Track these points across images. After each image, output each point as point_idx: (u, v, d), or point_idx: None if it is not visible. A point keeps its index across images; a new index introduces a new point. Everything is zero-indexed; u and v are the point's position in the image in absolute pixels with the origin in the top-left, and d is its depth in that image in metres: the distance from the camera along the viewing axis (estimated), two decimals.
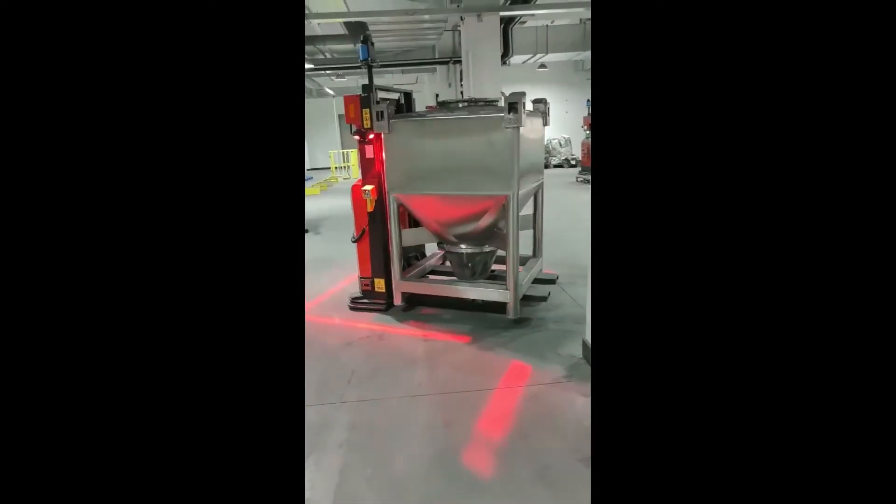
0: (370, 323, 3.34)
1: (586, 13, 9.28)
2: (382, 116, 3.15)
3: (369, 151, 3.43)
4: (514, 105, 2.82)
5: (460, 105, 3.24)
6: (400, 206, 3.30)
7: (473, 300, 3.34)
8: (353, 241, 3.61)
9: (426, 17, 7.86)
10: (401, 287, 3.43)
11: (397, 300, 3.47)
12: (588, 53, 11.31)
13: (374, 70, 3.42)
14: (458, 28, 8.94)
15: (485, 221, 3.09)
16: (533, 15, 9.43)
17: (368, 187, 3.39)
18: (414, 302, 3.52)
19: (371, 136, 3.37)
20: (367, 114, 3.28)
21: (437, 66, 11.55)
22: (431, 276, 3.81)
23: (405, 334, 3.12)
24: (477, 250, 3.36)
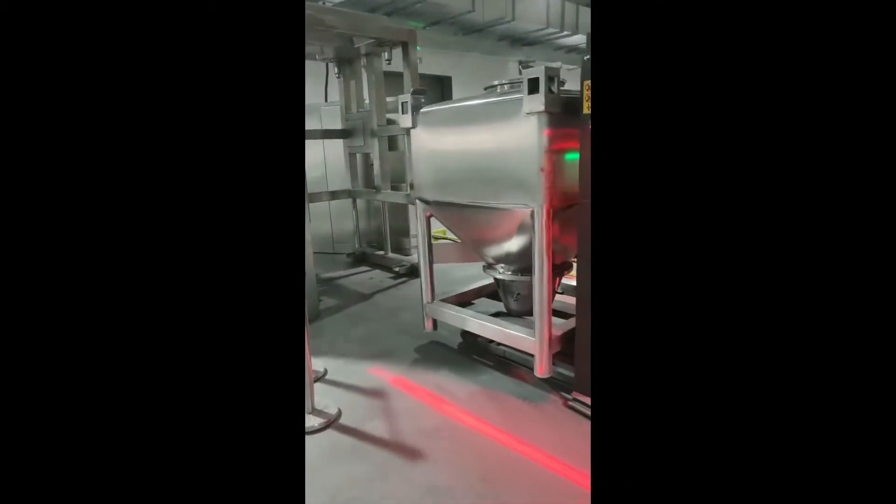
0: None
1: None
2: (406, 108, 2.90)
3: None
4: (535, 82, 2.15)
5: (498, 88, 2.65)
6: (429, 214, 3.18)
7: (498, 344, 2.98)
8: None
9: None
10: (431, 311, 3.29)
11: (428, 326, 3.34)
12: None
13: None
14: None
15: (515, 243, 2.76)
16: None
17: None
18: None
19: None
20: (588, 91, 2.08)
21: None
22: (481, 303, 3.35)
23: None
24: (515, 278, 2.97)
